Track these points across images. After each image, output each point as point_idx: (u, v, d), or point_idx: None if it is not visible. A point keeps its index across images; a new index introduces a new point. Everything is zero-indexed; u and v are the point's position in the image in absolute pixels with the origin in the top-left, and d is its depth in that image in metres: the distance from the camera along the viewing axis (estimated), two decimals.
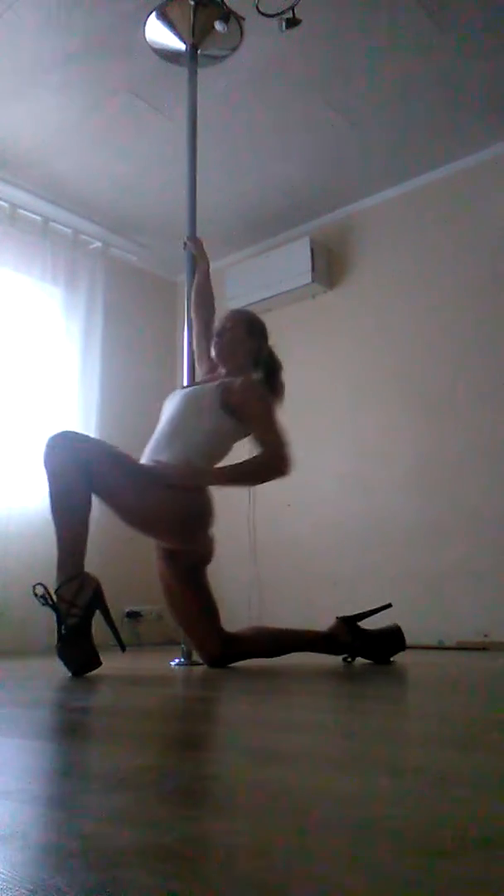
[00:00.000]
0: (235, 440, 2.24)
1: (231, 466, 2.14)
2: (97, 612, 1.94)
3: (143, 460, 2.18)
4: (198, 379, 2.59)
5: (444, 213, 3.56)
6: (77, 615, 1.88)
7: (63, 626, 1.88)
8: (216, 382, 2.25)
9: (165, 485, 2.03)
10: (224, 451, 2.24)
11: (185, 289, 2.74)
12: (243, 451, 2.24)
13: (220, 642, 2.16)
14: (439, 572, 3.23)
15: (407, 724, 1.14)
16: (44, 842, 0.52)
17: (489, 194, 3.42)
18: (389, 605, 2.21)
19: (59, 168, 3.55)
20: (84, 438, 2.03)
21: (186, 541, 2.15)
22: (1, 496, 3.37)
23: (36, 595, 1.89)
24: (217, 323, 2.44)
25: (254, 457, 2.14)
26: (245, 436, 2.25)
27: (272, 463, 2.11)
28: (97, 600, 1.93)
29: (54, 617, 1.89)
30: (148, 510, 2.04)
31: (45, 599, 1.88)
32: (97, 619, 1.95)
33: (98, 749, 0.93)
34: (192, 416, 2.19)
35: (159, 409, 4.25)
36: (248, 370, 2.34)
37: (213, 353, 2.38)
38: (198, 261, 2.70)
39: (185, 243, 2.73)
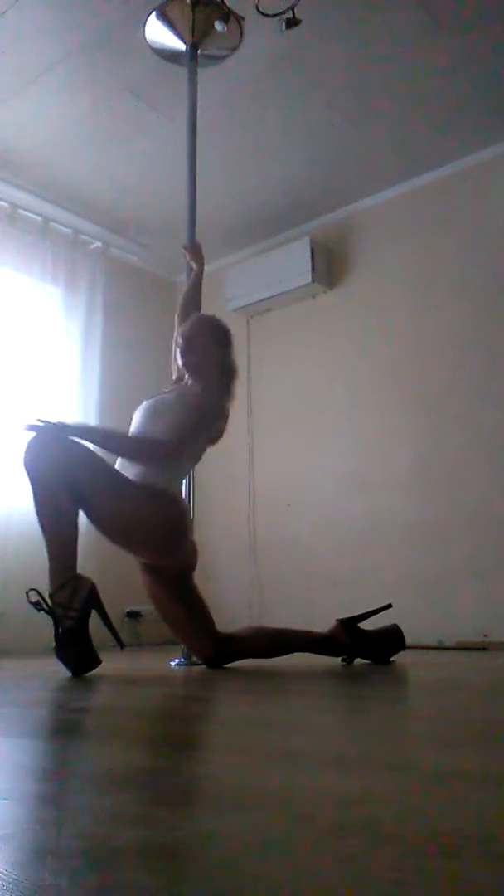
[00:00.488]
0: (199, 448, 2.22)
1: (109, 431, 2.12)
2: (94, 612, 1.94)
3: None
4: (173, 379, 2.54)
5: (445, 212, 3.56)
6: (73, 617, 1.87)
7: (60, 630, 1.87)
8: (177, 392, 2.22)
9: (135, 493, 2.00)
10: (190, 459, 2.22)
11: None
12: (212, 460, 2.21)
13: (214, 644, 2.15)
14: (439, 572, 3.23)
15: (407, 724, 1.14)
16: (43, 842, 0.52)
17: (489, 194, 3.42)
18: (389, 606, 2.20)
19: (59, 168, 3.55)
20: (64, 441, 1.97)
21: (163, 554, 2.11)
22: (1, 496, 3.36)
23: (30, 602, 1.88)
24: (184, 328, 2.34)
25: (139, 436, 2.11)
26: (210, 442, 2.23)
27: (149, 450, 2.07)
28: (92, 601, 1.92)
29: (51, 621, 1.89)
30: (123, 520, 2.00)
31: (39, 606, 1.88)
32: (95, 619, 1.95)
33: (97, 749, 0.93)
34: (155, 428, 2.13)
35: None
36: (212, 379, 2.25)
37: (178, 360, 2.33)
38: (192, 266, 2.66)
39: (184, 252, 2.70)
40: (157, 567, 2.17)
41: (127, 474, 2.07)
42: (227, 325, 2.39)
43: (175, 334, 2.55)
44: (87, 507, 1.96)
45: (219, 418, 2.23)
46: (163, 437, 2.09)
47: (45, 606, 1.88)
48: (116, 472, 2.05)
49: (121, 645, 2.04)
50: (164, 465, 2.10)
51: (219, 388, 2.24)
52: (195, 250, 2.67)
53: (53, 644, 1.89)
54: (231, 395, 2.31)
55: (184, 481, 2.44)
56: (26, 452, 1.91)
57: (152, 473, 2.07)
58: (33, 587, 1.89)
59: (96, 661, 1.91)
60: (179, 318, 2.58)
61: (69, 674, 1.90)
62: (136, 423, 2.23)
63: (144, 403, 2.27)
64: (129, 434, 2.19)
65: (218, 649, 2.15)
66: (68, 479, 1.89)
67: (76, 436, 1.99)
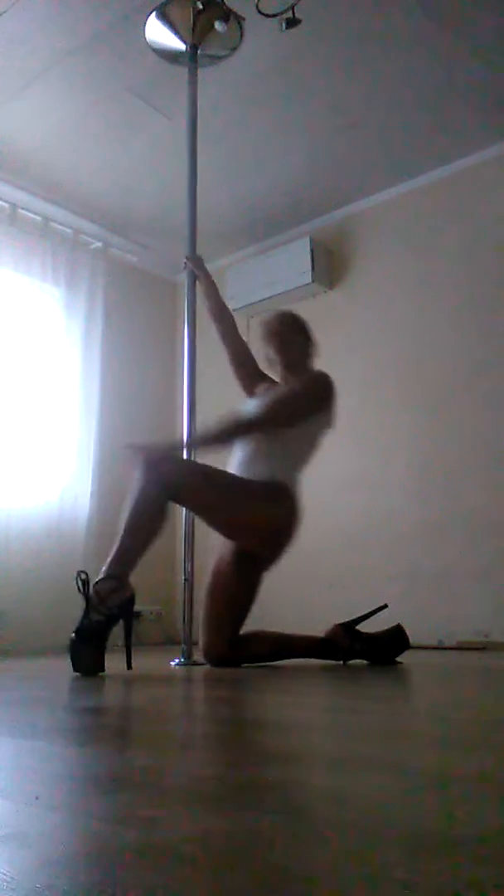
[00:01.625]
0: (316, 435, 2.28)
1: (220, 424, 2.17)
2: (121, 622, 1.96)
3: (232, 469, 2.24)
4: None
5: (444, 212, 3.56)
6: (103, 614, 1.90)
7: (85, 619, 1.89)
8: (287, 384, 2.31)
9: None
10: (307, 448, 2.27)
11: (185, 292, 2.72)
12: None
13: (227, 642, 2.16)
14: (439, 572, 3.23)
15: (407, 723, 1.14)
16: (44, 842, 0.52)
17: (489, 194, 3.42)
18: (385, 607, 2.21)
19: (59, 168, 3.55)
20: (177, 460, 2.10)
21: (273, 549, 2.22)
22: (2, 496, 3.37)
23: (77, 580, 1.92)
24: (262, 330, 2.43)
25: (240, 415, 2.20)
26: (327, 424, 2.29)
27: (266, 419, 2.16)
28: (126, 610, 1.95)
29: (83, 607, 1.91)
30: (241, 523, 2.14)
31: (83, 586, 1.91)
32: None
33: (98, 749, 0.93)
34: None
35: (160, 409, 4.24)
36: (303, 365, 2.38)
37: (268, 358, 2.41)
38: (201, 280, 2.64)
39: (185, 262, 2.68)
40: (245, 551, 2.22)
41: (248, 474, 2.17)
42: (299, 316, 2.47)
43: (230, 358, 2.55)
44: (202, 516, 2.11)
45: (331, 395, 2.29)
46: (279, 448, 2.19)
47: (84, 591, 1.90)
48: (233, 477, 2.16)
49: (129, 664, 2.02)
50: (283, 457, 2.20)
51: (320, 372, 2.31)
52: (198, 263, 2.66)
53: (72, 633, 1.90)
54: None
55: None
56: (140, 464, 1.99)
57: (272, 469, 2.17)
58: (84, 570, 1.93)
59: (101, 669, 1.91)
60: (225, 342, 2.56)
61: (69, 673, 1.90)
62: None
63: (252, 402, 2.35)
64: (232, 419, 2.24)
65: (231, 649, 2.16)
66: (172, 498, 2.01)
67: (191, 448, 2.17)
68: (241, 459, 2.24)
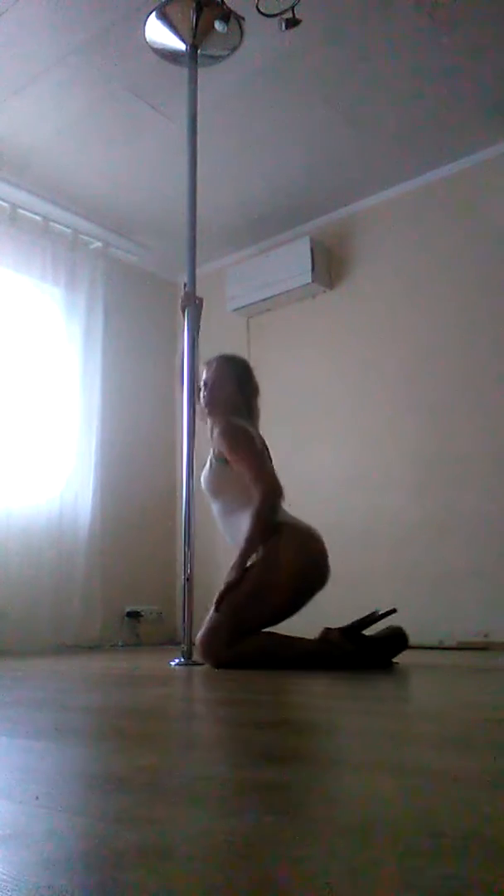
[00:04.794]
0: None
1: (245, 540, 2.23)
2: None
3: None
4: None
5: (445, 212, 3.56)
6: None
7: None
8: (212, 454, 2.39)
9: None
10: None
11: (187, 325, 2.66)
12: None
13: (222, 645, 2.14)
14: (440, 572, 3.23)
15: (407, 724, 1.14)
16: (44, 842, 0.52)
17: (489, 194, 3.42)
18: (376, 612, 2.20)
19: (59, 168, 3.55)
20: (222, 637, 2.15)
21: (319, 582, 2.38)
22: (2, 495, 3.36)
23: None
24: (203, 373, 2.53)
25: (253, 512, 2.25)
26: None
27: (267, 502, 2.24)
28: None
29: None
30: (289, 593, 2.26)
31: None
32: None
33: (98, 749, 0.93)
34: (219, 492, 2.35)
35: (161, 410, 4.25)
36: (229, 412, 2.44)
37: (201, 403, 2.52)
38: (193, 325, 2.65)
39: (182, 307, 2.65)
40: None
41: (238, 535, 2.25)
42: (240, 357, 2.61)
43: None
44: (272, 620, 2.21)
45: (250, 432, 2.38)
46: (247, 497, 2.27)
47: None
48: (249, 579, 2.20)
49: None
50: (257, 504, 2.27)
51: (233, 410, 2.43)
52: (200, 306, 2.68)
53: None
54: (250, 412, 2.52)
55: (182, 486, 2.57)
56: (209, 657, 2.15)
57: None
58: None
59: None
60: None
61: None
62: (205, 492, 2.41)
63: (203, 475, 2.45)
64: (243, 530, 2.30)
65: (226, 653, 2.13)
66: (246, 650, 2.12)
67: (239, 576, 2.18)
68: (229, 523, 2.35)
